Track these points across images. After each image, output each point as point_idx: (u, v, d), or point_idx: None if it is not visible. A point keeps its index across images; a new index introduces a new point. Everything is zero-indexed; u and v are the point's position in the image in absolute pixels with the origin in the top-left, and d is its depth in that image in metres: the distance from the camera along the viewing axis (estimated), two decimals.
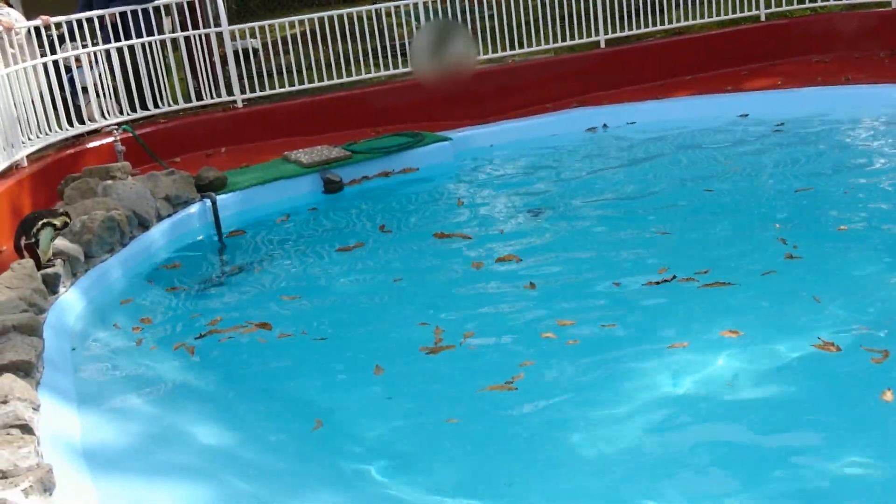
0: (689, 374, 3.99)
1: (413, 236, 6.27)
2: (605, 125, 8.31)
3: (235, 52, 9.04)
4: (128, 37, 8.33)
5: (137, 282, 5.78)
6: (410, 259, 5.85)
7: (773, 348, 4.09)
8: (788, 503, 3.18)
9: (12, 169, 7.01)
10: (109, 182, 6.47)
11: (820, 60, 9.31)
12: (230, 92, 9.00)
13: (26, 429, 3.42)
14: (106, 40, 8.32)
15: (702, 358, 4.09)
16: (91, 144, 8.02)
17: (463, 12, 9.34)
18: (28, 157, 7.27)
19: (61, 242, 5.49)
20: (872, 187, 6.11)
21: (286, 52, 9.51)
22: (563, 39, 9.59)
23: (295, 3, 13.13)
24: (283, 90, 9.17)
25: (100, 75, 8.23)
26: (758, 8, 9.82)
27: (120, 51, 8.32)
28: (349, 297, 5.28)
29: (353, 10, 9.25)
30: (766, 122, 7.83)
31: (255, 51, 10.18)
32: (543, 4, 9.72)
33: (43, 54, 7.85)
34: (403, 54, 9.49)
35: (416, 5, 9.22)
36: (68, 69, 8.23)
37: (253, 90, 9.12)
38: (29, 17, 8.39)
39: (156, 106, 8.66)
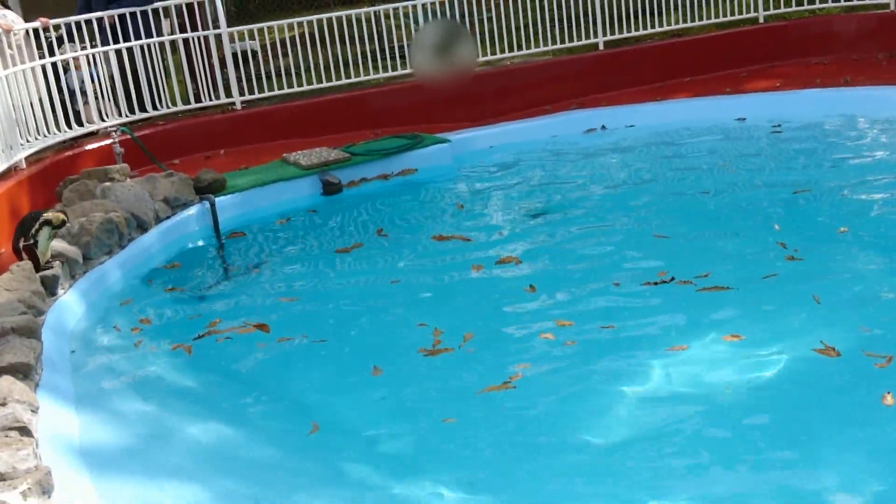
0: (688, 376, 3.99)
1: (412, 238, 6.27)
2: (603, 127, 8.31)
3: (234, 55, 9.04)
4: (127, 39, 8.33)
5: (136, 284, 5.77)
6: (409, 261, 5.84)
7: (774, 352, 4.08)
8: None
9: (11, 171, 7.01)
10: (108, 184, 6.47)
11: (819, 62, 9.32)
12: (229, 94, 9.00)
13: (25, 431, 3.41)
14: (105, 42, 8.32)
15: (701, 361, 4.08)
16: (89, 146, 8.02)
17: (462, 14, 9.34)
18: (27, 158, 7.27)
19: (60, 244, 5.48)
20: (872, 189, 6.11)
21: (285, 55, 9.51)
22: (562, 41, 9.60)
23: (294, 5, 13.13)
24: (282, 92, 9.17)
25: (99, 77, 8.23)
26: (756, 10, 9.83)
27: (119, 53, 8.31)
28: (348, 299, 5.28)
29: (352, 12, 9.26)
30: (764, 123, 7.84)
31: (255, 53, 10.19)
32: (542, 7, 9.72)
33: (42, 56, 7.85)
34: (402, 56, 9.49)
35: (414, 7, 9.23)
36: (66, 69, 8.22)
37: (252, 92, 9.12)
38: (28, 18, 8.39)
39: (154, 108, 8.65)
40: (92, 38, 8.25)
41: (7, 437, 3.34)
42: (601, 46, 9.67)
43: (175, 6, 8.82)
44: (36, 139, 7.50)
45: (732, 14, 9.81)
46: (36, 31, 7.93)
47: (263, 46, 9.67)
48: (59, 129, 7.81)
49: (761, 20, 9.86)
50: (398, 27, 10.10)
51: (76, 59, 8.15)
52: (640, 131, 8.12)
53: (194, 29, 8.83)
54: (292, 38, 9.68)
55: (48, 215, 5.43)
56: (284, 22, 9.40)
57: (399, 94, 9.12)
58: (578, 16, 9.63)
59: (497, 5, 9.75)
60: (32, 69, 7.54)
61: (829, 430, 3.53)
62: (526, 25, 9.65)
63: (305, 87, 9.14)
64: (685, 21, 9.77)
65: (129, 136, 7.70)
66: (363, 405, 4.07)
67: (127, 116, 8.43)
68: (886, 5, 9.53)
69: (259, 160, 7.89)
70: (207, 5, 9.10)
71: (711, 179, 6.78)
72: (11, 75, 7.15)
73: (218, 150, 8.66)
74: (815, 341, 4.06)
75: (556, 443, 3.64)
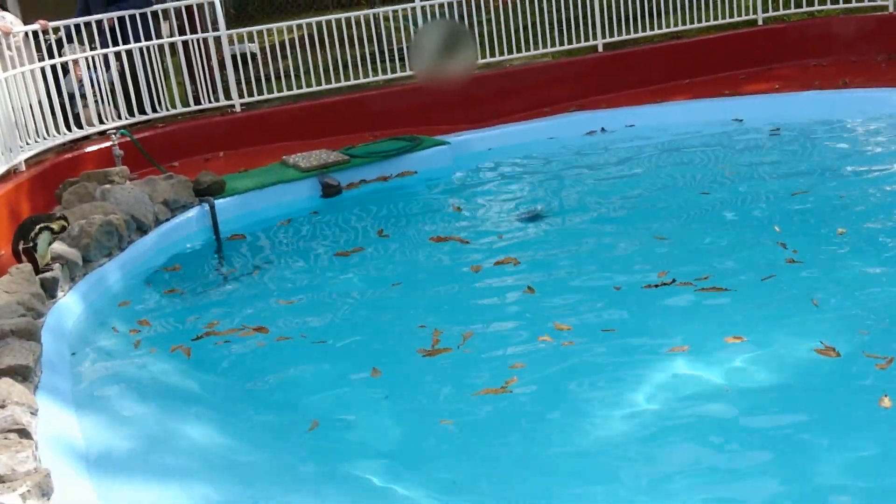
0: (688, 378, 3.99)
1: (411, 240, 6.27)
2: (603, 129, 8.31)
3: (233, 57, 9.05)
4: (126, 41, 8.33)
5: (135, 286, 5.77)
6: (408, 262, 5.85)
7: (774, 353, 4.07)
8: None
9: (11, 173, 7.01)
10: (108, 186, 6.47)
11: (817, 64, 9.33)
12: (228, 96, 9.01)
13: (24, 433, 3.41)
14: (104, 45, 8.32)
15: (701, 362, 4.08)
16: (89, 149, 8.02)
17: (461, 16, 9.35)
18: (26, 161, 7.27)
19: (59, 247, 5.48)
20: (871, 190, 6.11)
21: (284, 57, 9.52)
22: (562, 43, 9.61)
23: (293, 7, 13.14)
24: (281, 94, 9.18)
25: (99, 80, 8.23)
26: (755, 12, 9.84)
27: (118, 55, 8.31)
28: (347, 301, 5.28)
29: (351, 14, 9.27)
30: (763, 125, 7.84)
31: (254, 55, 10.19)
32: (541, 9, 9.73)
33: (41, 58, 7.85)
34: (401, 58, 9.49)
35: (413, 10, 9.23)
36: (66, 72, 8.23)
37: (251, 94, 9.12)
38: (27, 20, 8.39)
39: (154, 110, 8.66)
40: (91, 41, 8.25)
41: (6, 439, 3.34)
42: (600, 48, 9.68)
43: (174, 8, 8.82)
44: (36, 142, 7.50)
45: (731, 16, 9.82)
46: (35, 33, 7.93)
47: (263, 49, 9.68)
48: (58, 132, 7.81)
49: (760, 22, 9.87)
50: (397, 29, 10.12)
51: (76, 65, 8.15)
52: (640, 133, 8.12)
53: (193, 31, 8.84)
54: (291, 41, 9.69)
55: (50, 224, 5.45)
56: (283, 24, 9.41)
57: (398, 96, 9.12)
58: (578, 18, 9.64)
59: (496, 7, 9.76)
60: (32, 72, 7.54)
61: (830, 430, 3.53)
62: (525, 27, 9.65)
63: (305, 90, 9.15)
64: (684, 23, 9.78)
65: (128, 139, 7.71)
66: (363, 406, 4.07)
67: (126, 119, 8.44)
68: (885, 7, 9.54)
69: (258, 162, 7.89)
70: (207, 8, 9.11)
71: (711, 181, 6.78)
72: (11, 78, 7.16)
73: (217, 152, 8.66)
74: (816, 342, 4.06)
75: (554, 445, 3.64)
